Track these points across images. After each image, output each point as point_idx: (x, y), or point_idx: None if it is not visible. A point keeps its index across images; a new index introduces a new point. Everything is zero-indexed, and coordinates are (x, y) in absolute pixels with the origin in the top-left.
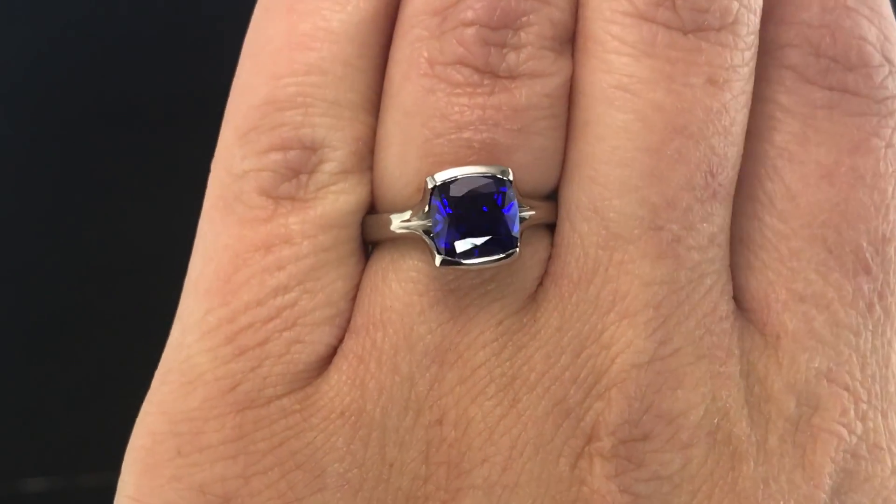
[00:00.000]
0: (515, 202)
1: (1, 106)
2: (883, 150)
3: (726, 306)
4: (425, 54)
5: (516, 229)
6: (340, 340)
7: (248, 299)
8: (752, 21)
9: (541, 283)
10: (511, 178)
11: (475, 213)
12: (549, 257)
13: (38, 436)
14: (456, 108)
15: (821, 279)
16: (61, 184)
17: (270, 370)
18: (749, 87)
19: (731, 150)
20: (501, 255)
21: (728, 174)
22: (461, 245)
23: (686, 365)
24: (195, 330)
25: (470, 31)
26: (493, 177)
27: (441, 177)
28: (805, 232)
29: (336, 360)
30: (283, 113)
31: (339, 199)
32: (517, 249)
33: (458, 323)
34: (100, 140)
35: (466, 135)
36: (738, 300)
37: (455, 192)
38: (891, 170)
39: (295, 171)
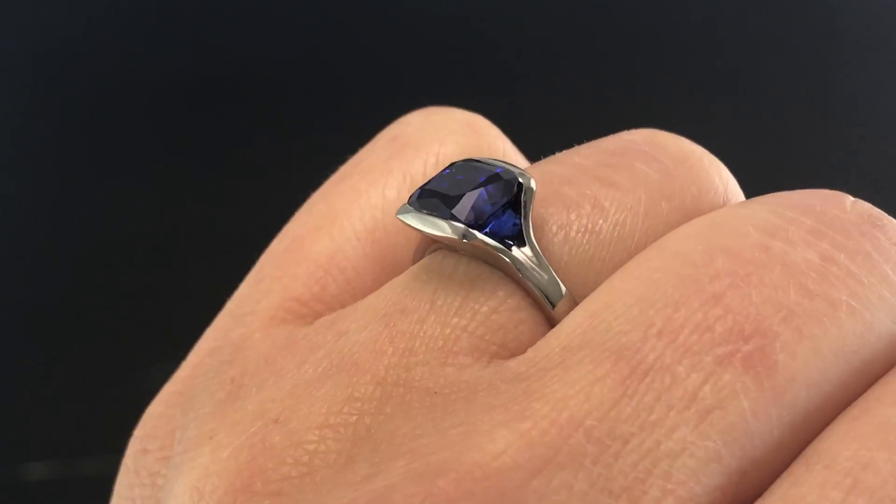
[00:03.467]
0: (510, 214)
1: None
2: None
3: None
4: None
5: (488, 225)
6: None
7: None
8: None
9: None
10: (528, 184)
11: (461, 178)
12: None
13: (38, 421)
14: None
15: None
16: (62, 173)
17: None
18: None
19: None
20: (446, 223)
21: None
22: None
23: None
24: None
25: None
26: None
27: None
28: None
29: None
30: None
31: None
32: (460, 226)
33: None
34: (93, 129)
35: None
36: None
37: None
38: None
39: None
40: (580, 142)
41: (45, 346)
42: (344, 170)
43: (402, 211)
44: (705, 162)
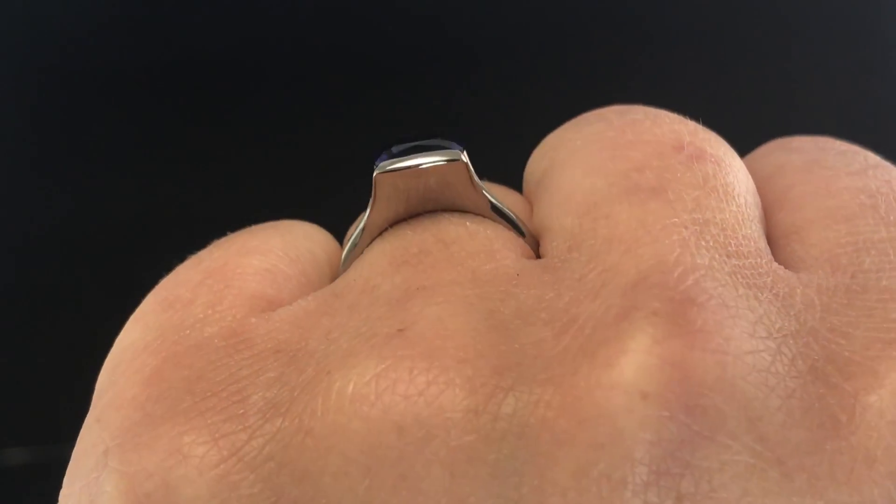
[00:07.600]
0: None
1: None
2: None
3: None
4: None
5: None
6: (283, 294)
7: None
8: None
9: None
10: (466, 159)
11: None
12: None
13: (18, 405)
14: None
15: None
16: (38, 158)
17: (191, 312)
18: None
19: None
20: (445, 156)
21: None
22: (400, 153)
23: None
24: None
25: None
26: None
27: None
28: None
29: (284, 309)
30: None
31: None
32: (461, 152)
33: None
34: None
35: None
36: None
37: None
38: None
39: None
40: None
41: (23, 330)
42: None
43: (383, 169)
44: None
